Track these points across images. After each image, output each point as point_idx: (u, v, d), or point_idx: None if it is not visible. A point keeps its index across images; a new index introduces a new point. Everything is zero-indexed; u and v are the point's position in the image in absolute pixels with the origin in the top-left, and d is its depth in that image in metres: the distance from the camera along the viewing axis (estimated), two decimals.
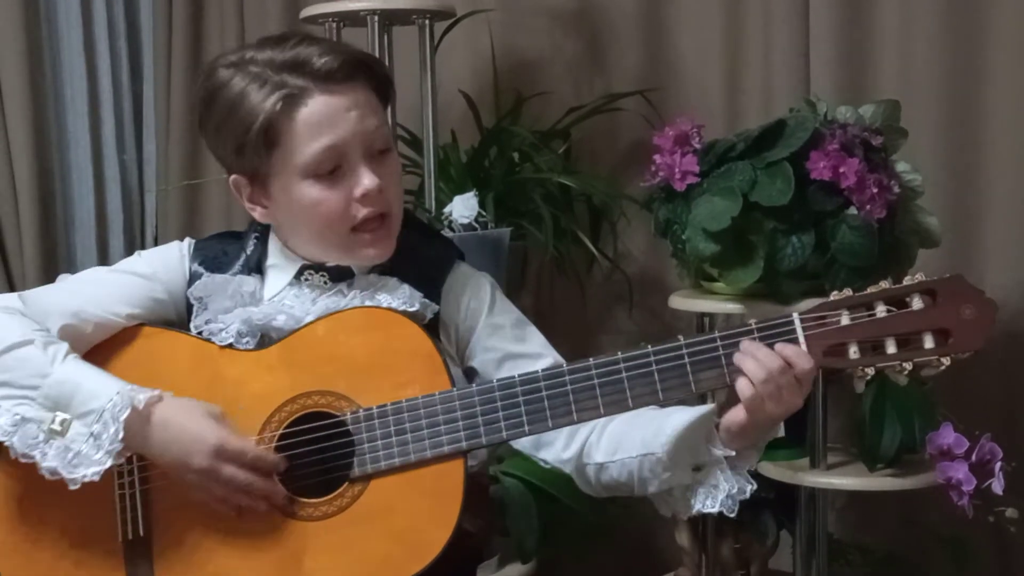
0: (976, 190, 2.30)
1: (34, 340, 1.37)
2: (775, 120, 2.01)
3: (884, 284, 1.29)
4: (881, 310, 1.28)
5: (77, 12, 3.08)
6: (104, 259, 3.09)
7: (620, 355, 1.33)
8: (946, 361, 1.26)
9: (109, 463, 1.33)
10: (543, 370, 1.36)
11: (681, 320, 2.48)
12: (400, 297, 1.44)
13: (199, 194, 3.12)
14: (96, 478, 1.33)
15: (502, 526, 2.20)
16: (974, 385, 2.23)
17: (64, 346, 1.39)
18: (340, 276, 1.47)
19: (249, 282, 1.49)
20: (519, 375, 1.36)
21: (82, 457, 1.33)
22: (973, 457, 1.90)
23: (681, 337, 1.33)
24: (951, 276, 1.28)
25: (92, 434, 1.33)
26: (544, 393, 1.34)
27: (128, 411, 1.33)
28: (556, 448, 1.48)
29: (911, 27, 2.32)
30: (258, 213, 1.49)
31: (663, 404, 1.39)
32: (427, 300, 1.46)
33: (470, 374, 1.52)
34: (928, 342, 1.27)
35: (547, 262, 2.65)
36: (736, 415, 1.33)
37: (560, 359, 1.52)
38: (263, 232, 1.53)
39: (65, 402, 1.34)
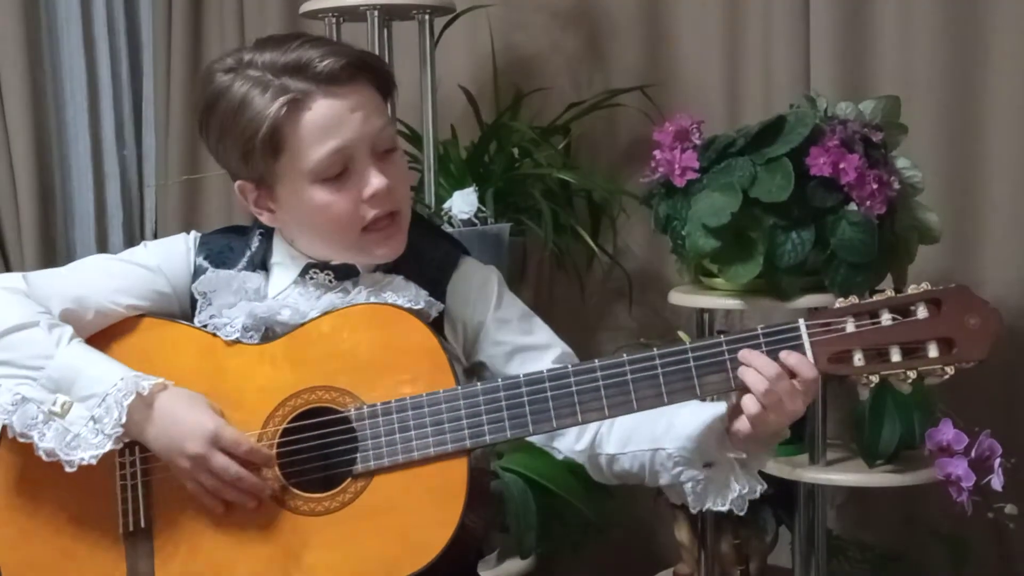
0: (976, 186, 2.30)
1: (39, 322, 1.38)
2: (775, 116, 2.00)
3: (889, 292, 1.30)
4: (886, 318, 1.29)
5: (77, 8, 3.08)
6: (103, 253, 3.09)
7: (626, 357, 1.34)
8: (950, 370, 1.27)
9: (108, 447, 1.33)
10: (548, 370, 1.36)
11: (680, 316, 2.49)
12: (406, 295, 1.44)
13: (198, 189, 3.12)
14: (93, 461, 1.33)
15: (501, 522, 2.20)
16: (973, 381, 2.22)
17: (69, 329, 1.40)
18: (345, 274, 1.47)
19: (254, 279, 1.49)
20: (524, 375, 1.36)
21: (80, 440, 1.33)
22: (972, 453, 1.91)
23: (687, 340, 1.33)
24: (956, 286, 1.29)
25: (93, 417, 1.33)
26: (549, 393, 1.34)
27: (133, 396, 1.34)
28: (568, 439, 1.49)
29: (911, 23, 2.32)
30: (265, 217, 1.49)
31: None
32: (432, 298, 1.46)
33: (478, 369, 1.53)
34: (932, 351, 1.27)
35: (547, 258, 2.65)
36: (741, 424, 1.33)
37: (567, 348, 1.53)
38: (268, 229, 1.53)
39: (67, 385, 1.35)
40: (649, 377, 1.33)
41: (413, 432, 1.35)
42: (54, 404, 1.34)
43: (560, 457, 1.52)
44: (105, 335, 1.46)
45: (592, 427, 1.46)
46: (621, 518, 2.43)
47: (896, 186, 1.97)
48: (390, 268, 1.49)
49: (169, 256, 1.52)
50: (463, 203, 2.23)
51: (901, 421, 2.04)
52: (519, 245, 2.52)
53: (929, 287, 1.28)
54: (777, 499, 2.22)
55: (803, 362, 1.30)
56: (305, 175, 1.41)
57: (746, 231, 1.95)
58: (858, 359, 1.29)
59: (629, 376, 1.33)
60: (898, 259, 2.05)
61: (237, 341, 1.43)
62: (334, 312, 1.42)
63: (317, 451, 1.38)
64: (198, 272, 1.50)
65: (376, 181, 1.41)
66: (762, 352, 1.31)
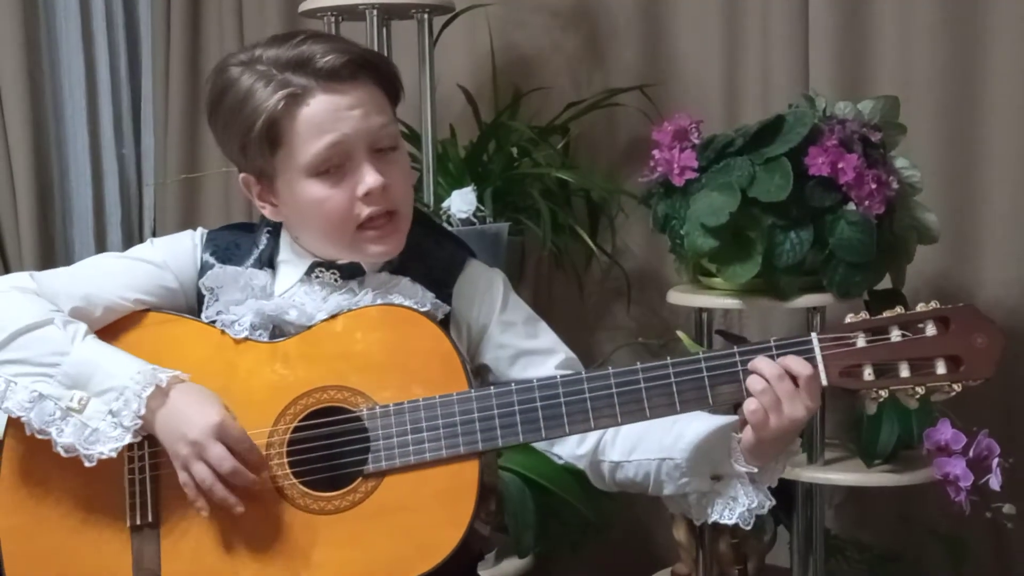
0: (975, 186, 2.30)
1: (53, 319, 1.39)
2: (774, 116, 2.00)
3: (899, 309, 1.32)
4: (896, 334, 1.31)
5: (75, 5, 3.07)
6: (102, 252, 3.08)
7: (639, 366, 1.34)
8: (957, 387, 1.30)
9: (127, 439, 1.34)
10: (561, 375, 1.36)
11: (679, 315, 2.48)
12: (412, 297, 1.44)
13: (197, 188, 3.12)
14: (113, 455, 1.34)
15: (500, 521, 2.20)
16: None
17: (83, 326, 1.40)
18: (351, 274, 1.47)
19: (260, 276, 1.49)
20: (537, 379, 1.37)
21: (99, 434, 1.34)
22: (971, 453, 1.91)
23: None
24: (964, 305, 1.32)
25: (111, 411, 1.34)
26: (562, 399, 1.35)
27: (152, 389, 1.35)
28: (570, 444, 1.49)
29: (910, 23, 2.32)
30: (268, 211, 1.49)
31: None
32: (438, 300, 1.46)
33: (482, 372, 1.53)
34: (940, 368, 1.30)
35: (545, 257, 2.65)
36: (745, 432, 1.34)
37: (572, 354, 1.53)
38: (276, 227, 1.53)
39: (84, 380, 1.36)
40: (662, 386, 1.33)
41: (425, 433, 1.35)
42: (71, 400, 1.35)
43: (560, 462, 1.53)
44: (114, 331, 1.46)
45: (595, 432, 1.46)
46: (619, 518, 2.43)
47: (895, 186, 1.97)
48: (396, 269, 1.49)
49: (176, 252, 1.52)
50: (462, 202, 2.23)
51: (899, 421, 2.04)
52: (518, 244, 2.52)
53: (938, 305, 1.31)
54: (775, 498, 2.21)
55: (799, 361, 1.30)
56: (301, 170, 1.41)
57: (745, 231, 1.95)
58: (868, 374, 1.31)
59: (642, 384, 1.34)
60: (896, 259, 2.05)
61: (247, 339, 1.43)
62: (348, 312, 1.42)
63: (328, 450, 1.38)
64: (205, 268, 1.50)
65: (371, 179, 1.41)
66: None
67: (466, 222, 2.22)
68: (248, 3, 3.01)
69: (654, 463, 1.42)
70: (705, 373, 1.33)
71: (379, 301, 1.43)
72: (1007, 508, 1.98)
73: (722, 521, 1.39)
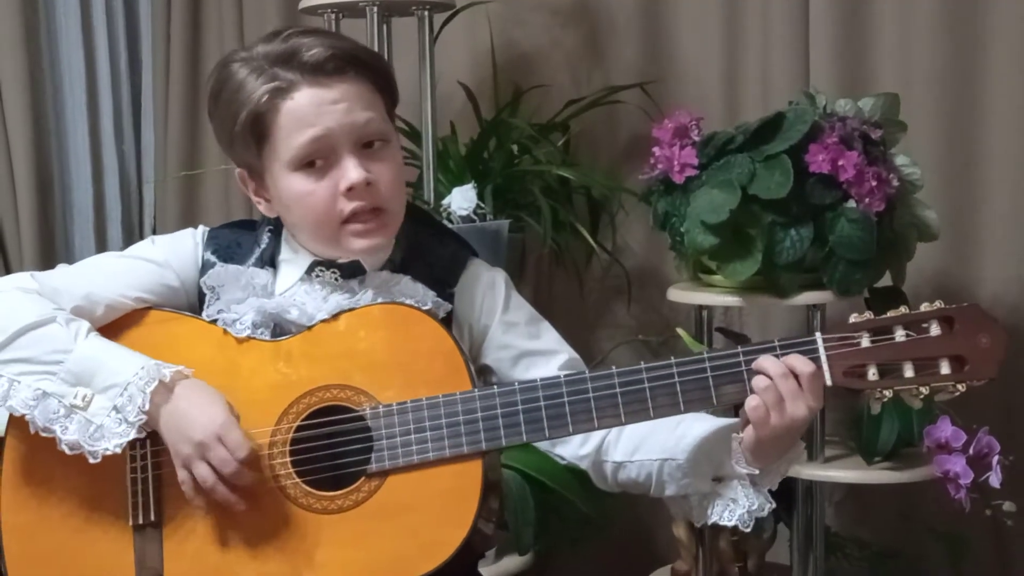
0: (975, 184, 2.30)
1: (55, 318, 1.39)
2: (774, 113, 2.00)
3: (904, 309, 1.32)
4: (900, 334, 1.31)
5: (75, 2, 3.08)
6: (102, 249, 3.09)
7: (643, 365, 1.34)
8: (961, 388, 1.30)
9: (132, 435, 1.34)
10: (565, 375, 1.36)
11: (679, 313, 2.48)
12: (413, 296, 1.44)
13: (197, 185, 3.12)
14: (118, 450, 1.34)
15: (502, 519, 2.20)
16: None
17: (85, 324, 1.40)
18: (352, 273, 1.46)
19: (261, 275, 1.48)
20: (541, 379, 1.36)
21: (104, 430, 1.34)
22: (971, 450, 1.90)
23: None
24: (968, 305, 1.31)
25: (115, 407, 1.34)
26: (566, 399, 1.34)
27: (155, 384, 1.35)
28: (573, 444, 1.48)
29: (910, 20, 2.32)
30: (263, 206, 1.50)
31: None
32: (440, 299, 1.46)
33: (484, 372, 1.52)
34: (945, 368, 1.30)
35: (546, 255, 2.65)
36: (747, 432, 1.33)
37: (574, 354, 1.53)
38: (277, 226, 1.53)
39: (88, 377, 1.36)
40: (666, 386, 1.33)
41: (428, 433, 1.34)
42: (75, 397, 1.35)
43: (563, 463, 1.52)
44: (116, 329, 1.46)
45: (598, 432, 1.46)
46: (619, 515, 2.43)
47: (895, 183, 1.97)
48: (397, 268, 1.48)
49: (176, 250, 1.52)
50: (462, 199, 2.23)
51: (899, 418, 2.04)
52: (518, 242, 2.52)
53: (943, 305, 1.31)
54: (775, 496, 2.21)
55: (800, 359, 1.30)
56: (285, 163, 1.41)
57: (745, 228, 1.95)
58: (872, 374, 1.30)
59: (646, 384, 1.33)
60: (897, 256, 2.05)
61: (249, 337, 1.43)
62: (351, 311, 1.42)
63: (330, 449, 1.37)
64: (206, 266, 1.50)
65: (354, 174, 1.40)
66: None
67: (466, 219, 2.22)
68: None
69: (656, 464, 1.42)
70: (709, 373, 1.32)
71: (380, 300, 1.43)
72: (1007, 506, 1.98)
73: (721, 522, 1.38)
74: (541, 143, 2.57)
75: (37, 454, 1.40)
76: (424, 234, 1.53)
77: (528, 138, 2.55)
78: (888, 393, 1.31)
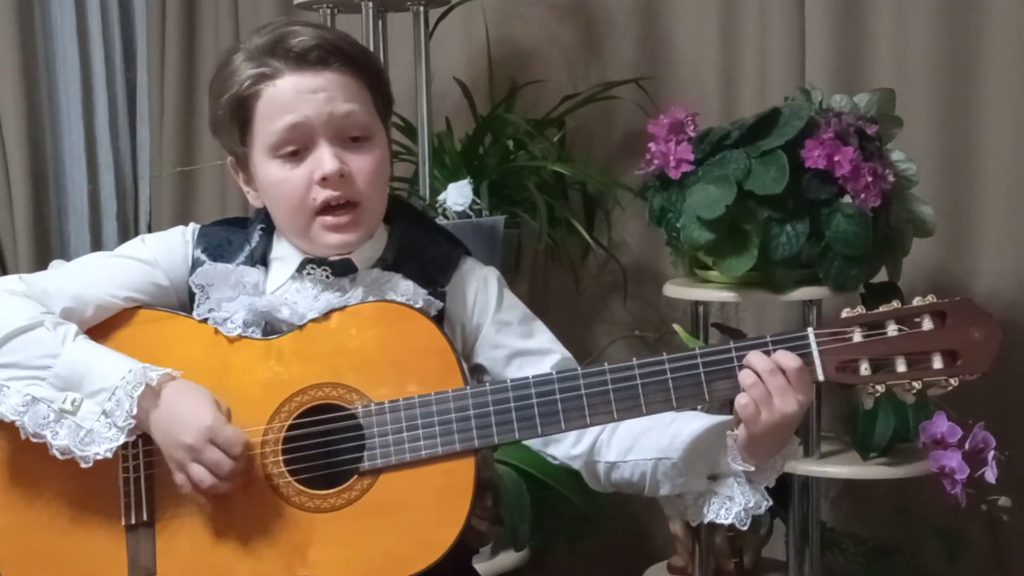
0: (971, 179, 2.30)
1: (43, 322, 1.38)
2: (770, 108, 2.00)
3: (896, 304, 1.31)
4: (892, 329, 1.30)
5: None
6: (97, 246, 3.09)
7: (635, 362, 1.33)
8: (954, 382, 1.29)
9: (121, 439, 1.34)
10: (557, 372, 1.36)
11: (675, 309, 2.48)
12: (404, 294, 1.43)
13: (192, 181, 3.12)
14: (109, 455, 1.33)
15: (496, 516, 2.20)
16: None
17: (73, 327, 1.40)
18: (343, 271, 1.46)
19: (252, 274, 1.47)
20: (533, 376, 1.36)
21: (94, 435, 1.33)
22: (966, 446, 1.91)
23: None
24: (961, 299, 1.30)
25: (104, 411, 1.34)
26: (558, 396, 1.34)
27: (142, 388, 1.34)
28: (565, 445, 1.48)
29: (906, 15, 2.32)
30: (251, 196, 1.50)
31: (677, 412, 1.39)
32: (431, 297, 1.45)
33: (476, 371, 1.51)
34: (937, 362, 1.29)
35: (541, 250, 2.65)
36: (739, 429, 1.33)
37: (567, 353, 1.52)
38: (269, 224, 1.52)
39: (76, 381, 1.35)
40: (658, 382, 1.32)
41: (421, 431, 1.34)
42: (64, 402, 1.34)
43: (555, 463, 1.51)
44: (106, 330, 1.45)
45: (592, 432, 1.45)
46: (615, 511, 2.43)
47: (891, 179, 1.97)
48: (389, 266, 1.47)
49: (166, 249, 1.51)
50: (458, 195, 2.23)
51: (895, 414, 2.04)
52: (514, 238, 2.52)
53: (935, 299, 1.30)
54: (771, 491, 2.21)
55: (787, 355, 1.29)
56: (264, 150, 1.42)
57: (741, 223, 1.95)
58: (864, 368, 1.30)
59: (639, 380, 1.33)
60: (893, 252, 2.05)
61: (240, 336, 1.42)
62: (343, 309, 1.41)
63: (323, 448, 1.37)
64: (196, 265, 1.49)
65: (328, 164, 1.39)
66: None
67: (462, 215, 2.22)
68: None
69: (650, 463, 1.41)
70: (701, 369, 1.32)
71: (370, 298, 1.42)
72: (1003, 501, 1.99)
73: (718, 520, 1.38)
74: (537, 139, 2.57)
75: (27, 455, 1.39)
76: (417, 233, 1.52)
77: (524, 134, 2.55)
78: (880, 388, 1.30)
